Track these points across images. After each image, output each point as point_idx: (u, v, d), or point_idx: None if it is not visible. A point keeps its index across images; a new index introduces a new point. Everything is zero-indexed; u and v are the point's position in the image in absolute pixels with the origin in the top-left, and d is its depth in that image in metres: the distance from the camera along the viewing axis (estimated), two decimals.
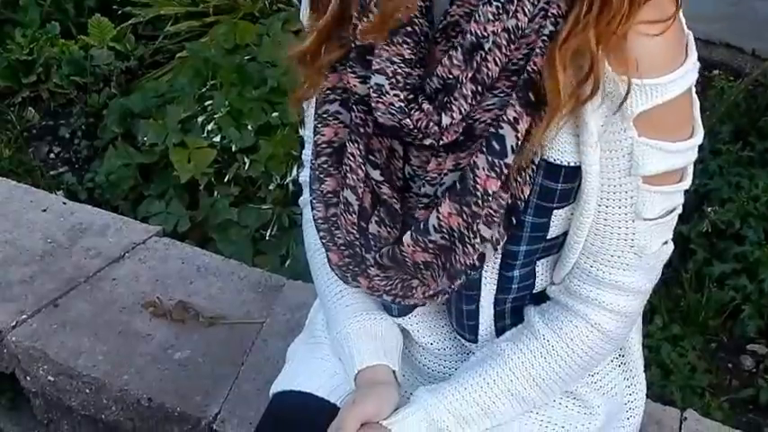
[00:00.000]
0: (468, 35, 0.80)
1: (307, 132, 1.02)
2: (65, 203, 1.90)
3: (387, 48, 0.84)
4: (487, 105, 0.82)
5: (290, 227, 1.99)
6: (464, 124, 0.83)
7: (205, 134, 2.04)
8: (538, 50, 0.79)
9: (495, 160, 0.82)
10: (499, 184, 0.83)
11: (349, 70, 0.87)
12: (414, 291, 0.94)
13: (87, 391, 1.52)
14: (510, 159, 0.82)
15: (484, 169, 0.83)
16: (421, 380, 1.07)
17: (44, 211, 1.86)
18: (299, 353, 1.12)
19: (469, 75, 0.81)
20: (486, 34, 0.79)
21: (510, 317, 1.00)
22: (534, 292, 0.98)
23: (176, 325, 1.58)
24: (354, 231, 0.91)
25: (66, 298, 1.65)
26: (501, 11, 0.79)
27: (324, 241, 0.96)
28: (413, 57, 0.84)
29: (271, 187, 1.99)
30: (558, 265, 0.94)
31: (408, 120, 0.84)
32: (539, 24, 0.80)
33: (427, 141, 0.85)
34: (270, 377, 1.13)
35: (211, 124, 2.03)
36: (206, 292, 1.65)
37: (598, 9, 0.76)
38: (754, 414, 1.77)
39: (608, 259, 0.90)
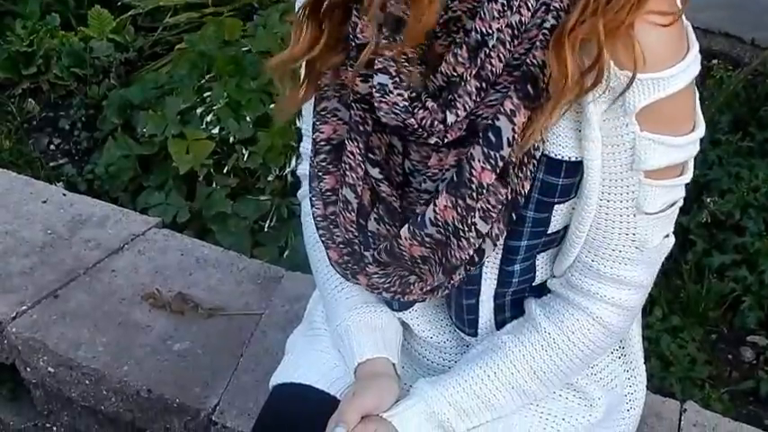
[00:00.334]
0: (473, 33, 0.80)
1: (304, 126, 1.02)
2: (64, 195, 1.90)
3: (389, 46, 0.83)
4: (490, 101, 0.82)
5: (289, 218, 1.99)
6: (467, 121, 0.83)
7: (204, 125, 2.03)
8: (538, 43, 0.79)
9: (491, 152, 0.82)
10: (494, 176, 0.83)
11: (350, 69, 0.86)
12: (412, 287, 0.94)
13: (87, 382, 1.53)
14: (506, 152, 0.82)
15: (479, 161, 0.82)
16: (421, 372, 1.07)
17: (44, 202, 1.86)
18: (299, 345, 1.12)
19: (474, 72, 0.80)
20: (491, 31, 0.79)
21: (510, 310, 1.00)
22: (534, 284, 0.98)
23: (175, 316, 1.58)
24: (353, 229, 0.91)
25: (66, 289, 1.65)
26: (506, 7, 0.78)
27: (323, 239, 0.96)
28: (415, 54, 0.83)
29: (269, 178, 1.99)
30: (559, 258, 0.94)
31: (413, 119, 0.83)
32: (540, 19, 0.79)
33: (432, 140, 0.84)
34: (269, 368, 1.13)
35: (210, 116, 2.03)
36: (205, 284, 1.65)
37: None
38: (755, 406, 1.77)
39: (609, 253, 0.90)
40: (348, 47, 0.87)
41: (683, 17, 0.83)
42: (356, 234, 0.91)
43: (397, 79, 0.83)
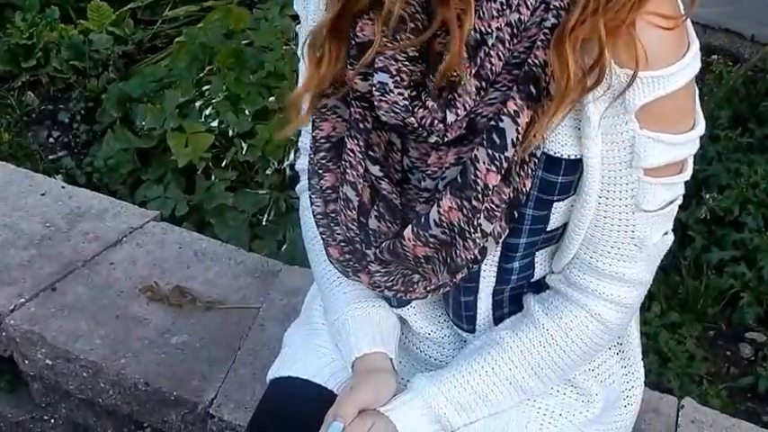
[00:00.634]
0: (473, 32, 0.79)
1: None
2: (63, 187, 1.89)
3: (390, 45, 0.82)
4: (489, 100, 0.82)
5: (287, 212, 1.99)
6: (467, 119, 0.83)
7: (203, 119, 2.03)
8: (539, 43, 0.79)
9: (496, 154, 0.81)
10: (499, 177, 0.83)
11: (349, 67, 0.85)
12: (415, 286, 0.94)
13: (85, 374, 1.53)
14: (510, 153, 0.81)
15: (484, 163, 0.82)
16: (419, 367, 1.07)
17: (43, 195, 1.86)
18: (297, 339, 1.12)
19: (473, 71, 0.80)
20: (490, 30, 0.78)
21: (508, 305, 1.00)
22: (532, 280, 0.98)
23: (173, 309, 1.58)
24: (354, 227, 0.91)
25: (65, 282, 1.65)
26: (504, 6, 0.78)
27: (323, 236, 0.96)
28: (416, 53, 0.83)
29: (268, 172, 1.99)
30: (558, 255, 0.94)
31: (412, 118, 0.83)
32: (540, 17, 0.79)
33: (432, 139, 0.84)
34: (266, 362, 1.14)
35: (209, 109, 2.03)
36: (203, 277, 1.65)
37: None
38: (753, 402, 1.77)
39: (608, 251, 0.90)
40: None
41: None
42: (357, 232, 0.91)
43: (397, 78, 0.82)
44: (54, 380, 1.57)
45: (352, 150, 0.88)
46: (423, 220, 0.86)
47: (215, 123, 2.03)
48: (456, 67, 0.79)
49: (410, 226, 0.87)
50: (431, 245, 0.87)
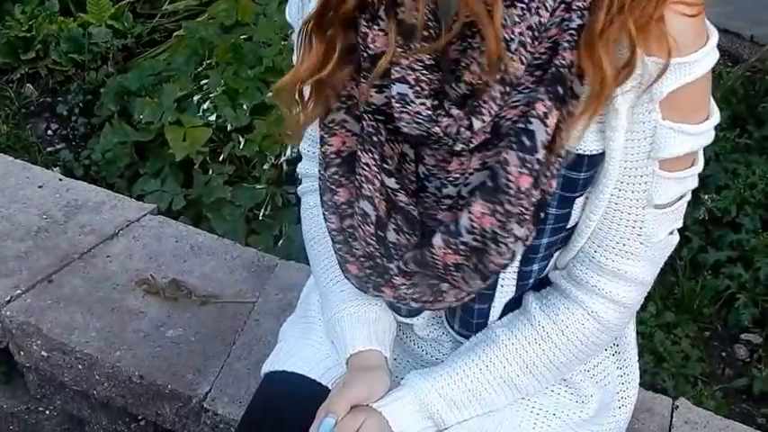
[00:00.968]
0: None
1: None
2: (61, 180, 1.89)
3: (405, 54, 0.81)
4: (513, 102, 0.81)
5: (284, 207, 1.99)
6: (491, 123, 0.82)
7: (200, 113, 2.03)
8: (566, 44, 0.78)
9: (527, 156, 0.81)
10: (531, 180, 0.81)
11: (363, 81, 0.84)
12: (445, 294, 0.92)
13: (80, 366, 1.52)
14: (541, 155, 0.81)
15: (515, 166, 0.81)
16: (413, 364, 1.07)
17: (40, 187, 1.85)
18: (292, 333, 1.11)
19: (498, 77, 0.79)
20: (513, 37, 0.78)
21: (515, 307, 0.99)
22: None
23: (169, 303, 1.58)
24: (373, 242, 0.89)
25: (61, 274, 1.65)
26: (525, 10, 0.78)
27: (340, 253, 0.94)
28: (432, 61, 0.82)
29: (265, 167, 1.99)
30: (565, 249, 0.94)
31: (437, 127, 0.82)
32: (560, 17, 0.79)
33: (457, 147, 0.83)
34: (261, 356, 1.13)
35: (207, 103, 2.03)
36: (199, 271, 1.65)
37: None
38: (747, 404, 1.77)
39: (613, 246, 0.89)
40: (353, 59, 0.85)
41: None
42: (377, 246, 0.90)
43: (417, 88, 0.81)
44: (49, 371, 1.57)
45: (366, 164, 0.86)
46: (453, 227, 0.85)
47: (213, 118, 2.03)
48: (500, 55, 0.77)
49: (438, 234, 0.86)
50: (461, 252, 0.86)
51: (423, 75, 0.81)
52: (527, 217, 0.84)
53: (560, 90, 0.79)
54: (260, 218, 1.99)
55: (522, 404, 1.01)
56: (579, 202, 0.89)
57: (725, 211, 2.03)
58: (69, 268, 1.66)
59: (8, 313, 1.58)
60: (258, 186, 2.00)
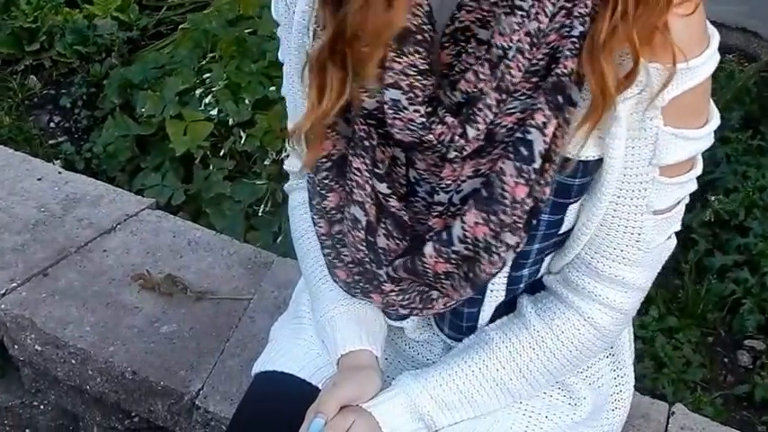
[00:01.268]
0: (494, 48, 0.77)
1: (290, 125, 0.99)
2: (60, 173, 1.89)
3: (398, 59, 0.79)
4: (508, 110, 0.80)
5: (284, 203, 1.96)
6: (486, 131, 0.80)
7: (202, 107, 2.02)
8: (567, 52, 0.77)
9: (524, 166, 0.79)
10: (527, 190, 0.80)
11: (355, 85, 0.81)
12: (434, 302, 0.91)
13: (73, 361, 1.52)
14: (538, 164, 0.79)
15: (512, 176, 0.79)
16: (405, 365, 1.05)
17: (39, 179, 1.85)
18: (283, 333, 1.10)
19: (494, 84, 0.78)
20: (511, 45, 0.76)
21: (507, 311, 0.98)
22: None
23: (164, 298, 1.57)
24: (363, 248, 0.88)
25: (57, 267, 1.64)
26: (524, 17, 0.76)
27: (329, 258, 0.93)
28: (426, 66, 0.80)
29: (266, 162, 1.98)
30: (559, 254, 0.92)
31: (431, 135, 0.80)
32: (560, 23, 0.77)
33: (451, 154, 0.81)
34: (255, 354, 1.12)
35: (209, 97, 2.02)
36: (195, 267, 1.63)
37: (634, 5, 0.74)
38: (748, 411, 1.74)
39: (610, 252, 0.88)
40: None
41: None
42: (366, 252, 0.88)
43: (411, 94, 0.79)
44: (43, 366, 1.56)
45: (358, 169, 0.85)
46: (445, 236, 0.83)
47: (214, 112, 2.02)
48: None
49: (430, 243, 0.84)
50: (452, 261, 0.85)
51: (416, 80, 0.79)
52: (520, 225, 0.83)
53: (560, 99, 0.78)
54: (259, 214, 1.98)
55: (514, 406, 1.00)
56: (573, 208, 0.88)
57: (733, 214, 2.00)
58: (65, 262, 1.65)
59: (3, 306, 1.57)
60: (258, 182, 1.99)
